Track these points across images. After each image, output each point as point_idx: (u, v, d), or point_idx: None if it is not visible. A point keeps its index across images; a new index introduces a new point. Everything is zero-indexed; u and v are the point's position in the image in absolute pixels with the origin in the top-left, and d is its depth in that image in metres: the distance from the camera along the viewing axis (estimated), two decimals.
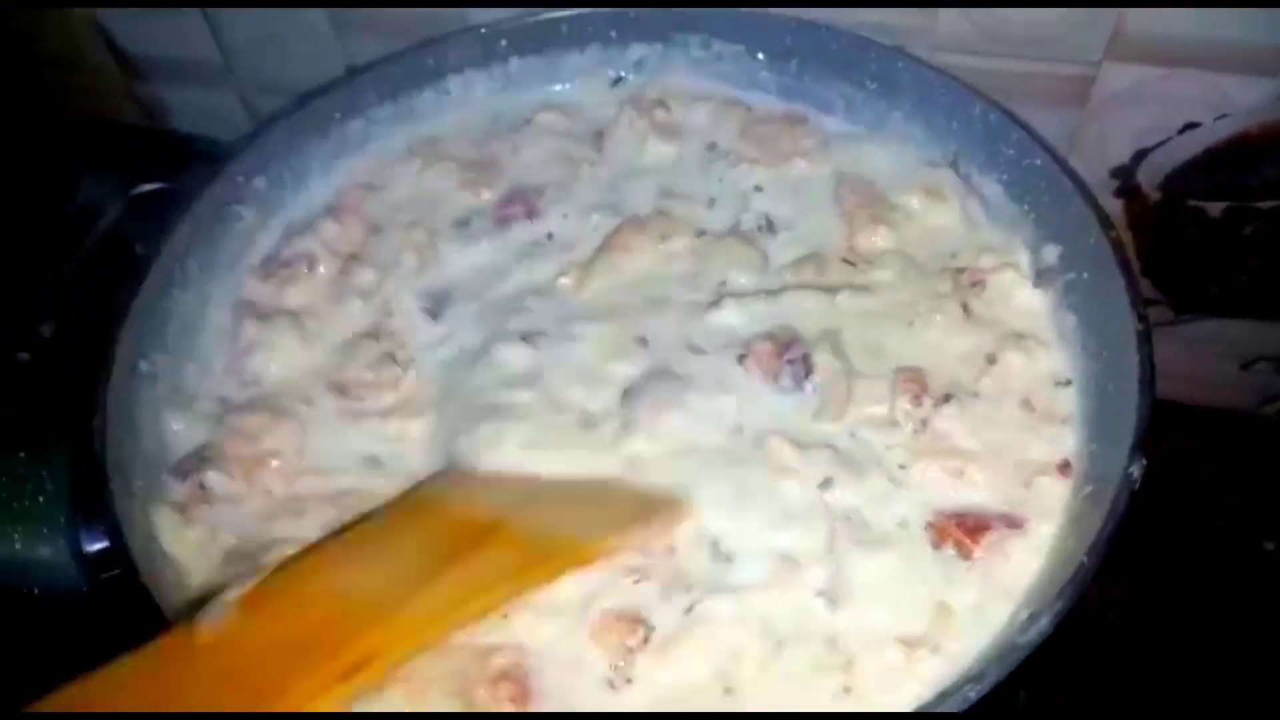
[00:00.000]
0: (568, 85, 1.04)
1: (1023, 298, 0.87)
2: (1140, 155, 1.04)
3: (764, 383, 0.82)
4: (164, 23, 1.20)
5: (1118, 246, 0.78)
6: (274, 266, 0.92)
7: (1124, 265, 0.77)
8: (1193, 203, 1.05)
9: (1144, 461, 0.67)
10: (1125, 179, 1.06)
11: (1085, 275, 0.82)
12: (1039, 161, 0.86)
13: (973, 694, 0.61)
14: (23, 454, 0.77)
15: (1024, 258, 0.88)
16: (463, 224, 0.95)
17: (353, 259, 0.93)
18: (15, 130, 1.23)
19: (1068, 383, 0.81)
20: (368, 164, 0.99)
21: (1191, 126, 1.00)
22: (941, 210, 0.93)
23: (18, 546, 0.74)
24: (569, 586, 0.71)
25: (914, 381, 0.80)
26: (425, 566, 0.64)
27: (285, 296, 0.90)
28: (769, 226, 0.93)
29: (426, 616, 0.61)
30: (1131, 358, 0.72)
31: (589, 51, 1.03)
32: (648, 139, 1.00)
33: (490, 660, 0.68)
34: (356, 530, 0.71)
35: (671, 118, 1.02)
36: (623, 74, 1.04)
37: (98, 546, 0.72)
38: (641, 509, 0.74)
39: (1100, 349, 0.78)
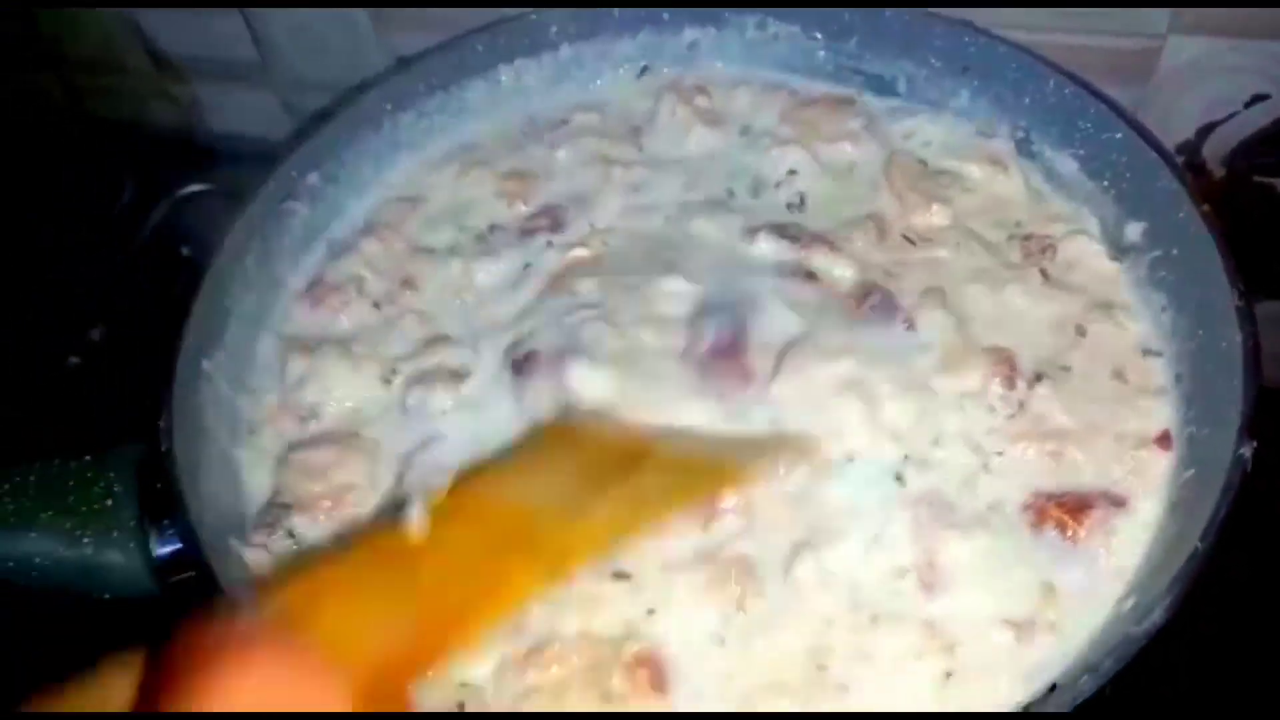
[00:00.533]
0: (598, 82, 1.03)
1: (1098, 265, 0.86)
2: (1206, 130, 1.02)
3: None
4: (201, 22, 1.20)
5: (1211, 220, 0.77)
6: (321, 290, 0.91)
7: (1220, 239, 0.75)
8: (1259, 179, 1.04)
9: (1254, 443, 0.65)
10: (1190, 155, 1.04)
11: (1175, 252, 0.80)
12: (1120, 135, 0.84)
13: (1089, 686, 0.59)
14: (88, 457, 0.77)
15: (1094, 226, 0.87)
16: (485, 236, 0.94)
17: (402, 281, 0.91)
18: (57, 134, 1.24)
19: (1158, 353, 0.80)
20: (406, 174, 0.99)
21: (1260, 99, 0.98)
22: (1004, 180, 0.92)
23: (89, 551, 0.73)
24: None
25: (1004, 363, 0.78)
26: (591, 484, 0.65)
27: (335, 323, 0.89)
28: (800, 204, 0.92)
29: (604, 526, 0.62)
30: (1233, 336, 0.71)
31: (641, 36, 1.01)
32: (693, 127, 0.98)
33: (624, 647, 0.69)
34: (517, 455, 0.73)
35: (713, 104, 1.00)
36: (648, 64, 1.03)
37: (169, 549, 0.73)
38: (772, 446, 0.75)
39: (1195, 328, 0.76)
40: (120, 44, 1.23)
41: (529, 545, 0.58)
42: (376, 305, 0.90)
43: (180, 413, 0.74)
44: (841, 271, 0.85)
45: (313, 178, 0.92)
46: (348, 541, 0.66)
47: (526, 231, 0.92)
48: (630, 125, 1.01)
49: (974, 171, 0.93)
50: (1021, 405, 0.77)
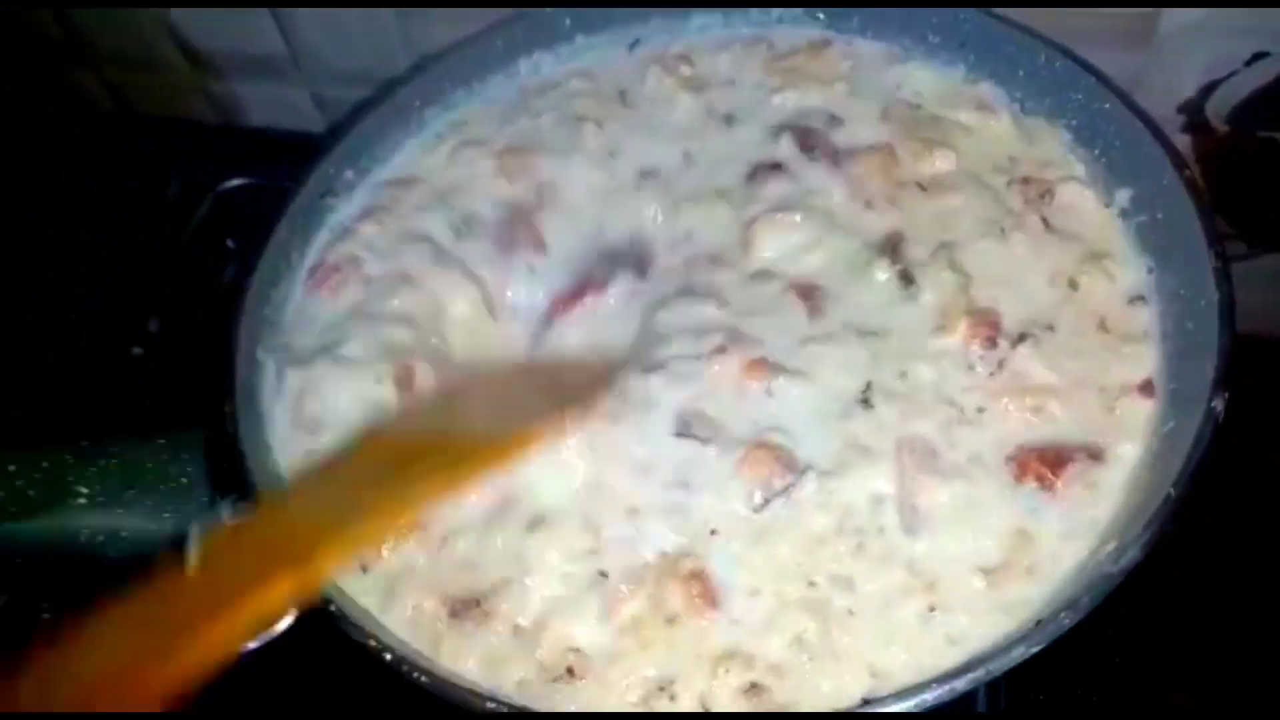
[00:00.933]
0: (590, 53, 1.06)
1: (1092, 211, 0.89)
2: (1208, 89, 1.04)
3: None
4: (230, 20, 1.23)
5: (1192, 186, 0.80)
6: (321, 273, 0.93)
7: (1200, 204, 0.79)
8: (1262, 134, 1.06)
9: (1227, 395, 0.70)
10: (1193, 114, 1.06)
11: (1160, 216, 0.84)
12: (1108, 105, 0.88)
13: (1068, 621, 0.65)
14: (162, 440, 0.83)
15: (1081, 171, 0.91)
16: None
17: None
18: (100, 133, 1.28)
19: (1144, 300, 0.83)
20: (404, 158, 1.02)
21: (1260, 57, 1.00)
22: (995, 124, 0.95)
23: (169, 525, 0.80)
24: None
25: (986, 324, 0.82)
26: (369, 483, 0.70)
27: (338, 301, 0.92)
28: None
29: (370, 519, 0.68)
30: (1211, 295, 0.75)
31: (652, 23, 1.05)
32: (676, 96, 1.01)
33: (680, 564, 0.74)
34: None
35: (696, 71, 1.03)
36: (639, 37, 1.05)
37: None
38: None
39: (1179, 288, 0.80)
40: (156, 42, 1.26)
41: (287, 554, 0.63)
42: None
43: (243, 399, 0.81)
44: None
45: (349, 174, 0.97)
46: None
47: None
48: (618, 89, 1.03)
49: (965, 118, 0.96)
50: (1000, 364, 0.81)
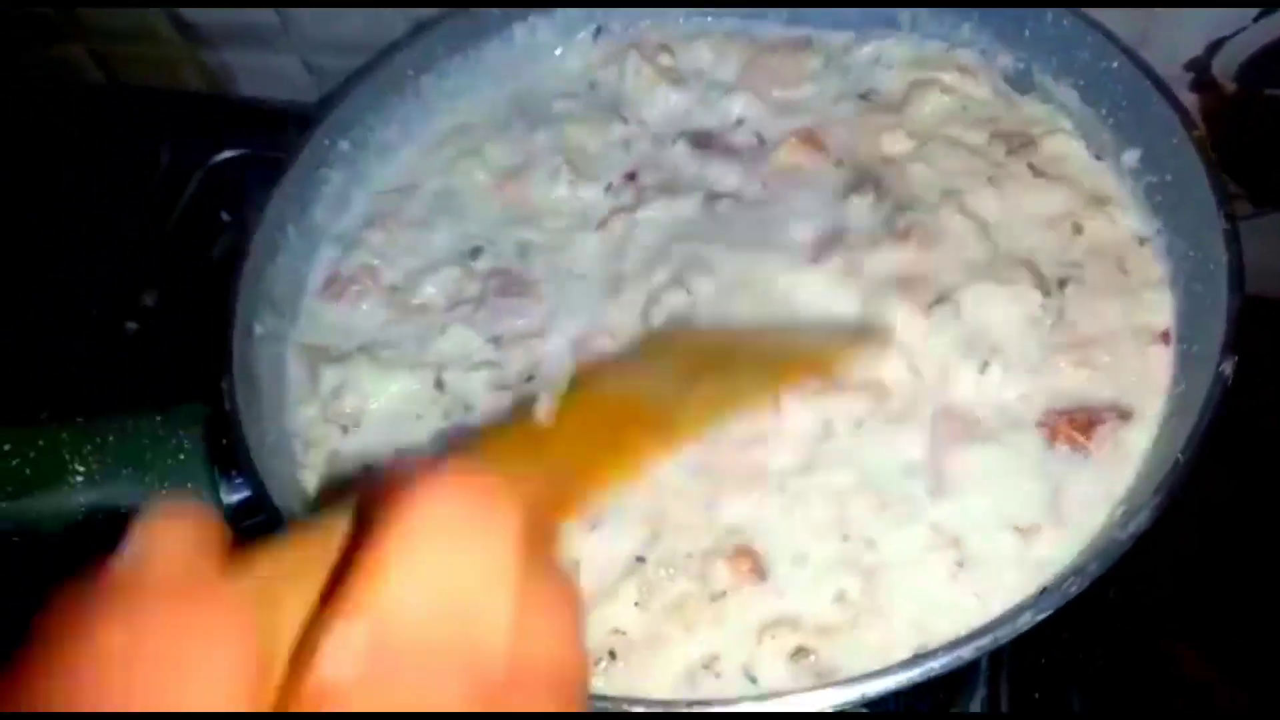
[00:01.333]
0: (559, 50, 1.05)
1: (1082, 160, 0.90)
2: (1215, 45, 1.03)
3: None
4: None
5: (1202, 146, 0.80)
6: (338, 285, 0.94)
7: (1209, 165, 0.79)
8: (1270, 91, 1.05)
9: (1235, 359, 0.70)
10: (1200, 71, 1.05)
11: (1169, 177, 0.84)
12: (1115, 64, 0.87)
13: (1073, 589, 0.65)
14: (158, 416, 0.83)
15: (1069, 124, 0.91)
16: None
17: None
18: (91, 105, 1.28)
19: (1147, 240, 0.85)
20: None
21: (1267, 12, 0.99)
22: (974, 86, 0.96)
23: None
24: None
25: (1033, 271, 0.83)
26: (688, 378, 0.70)
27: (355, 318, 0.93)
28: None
29: (702, 409, 0.66)
30: (1220, 258, 0.75)
31: None
32: (657, 87, 1.01)
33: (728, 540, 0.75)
34: (622, 362, 0.81)
35: (676, 61, 1.03)
36: (600, 25, 1.05)
37: (238, 498, 0.79)
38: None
39: (1188, 249, 0.81)
40: (145, 12, 1.25)
41: (641, 421, 0.63)
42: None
43: (240, 373, 0.81)
44: None
45: (344, 145, 0.96)
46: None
47: None
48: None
49: (945, 78, 0.96)
50: (1060, 313, 0.81)
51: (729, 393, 0.69)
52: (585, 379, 0.75)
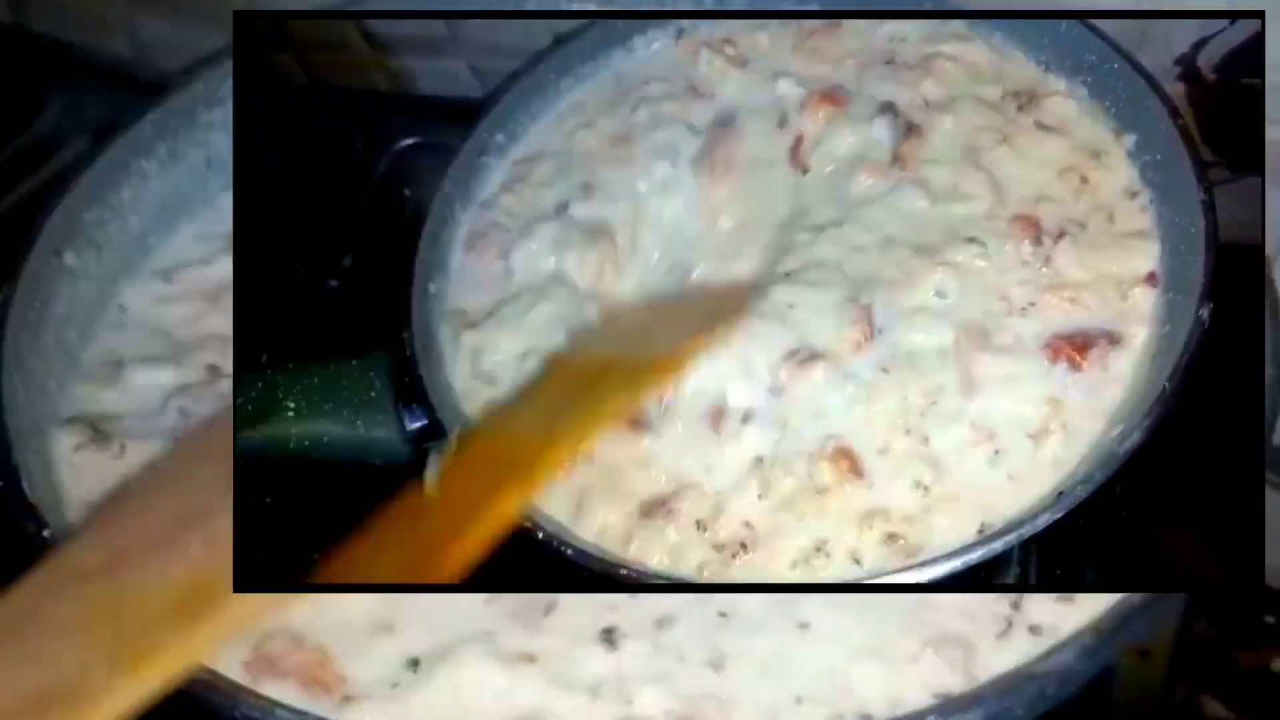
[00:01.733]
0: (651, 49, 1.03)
1: (1075, 116, 0.89)
2: (1200, 44, 1.03)
3: None
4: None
5: (1184, 133, 0.81)
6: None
7: (1190, 148, 0.80)
8: (1245, 81, 1.04)
9: (1211, 305, 0.72)
10: (1187, 66, 1.05)
11: (1159, 157, 0.84)
12: (1116, 65, 0.87)
13: (1083, 492, 0.67)
14: (354, 361, 0.86)
15: (1061, 84, 0.90)
16: None
17: None
18: (301, 102, 1.31)
19: (1136, 194, 0.84)
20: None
21: (1239, 17, 0.98)
22: (971, 49, 0.94)
23: (362, 431, 0.83)
24: None
25: (1029, 224, 0.82)
26: (563, 403, 0.68)
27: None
28: None
29: (572, 434, 0.64)
30: (1198, 222, 0.76)
31: None
32: (728, 75, 0.98)
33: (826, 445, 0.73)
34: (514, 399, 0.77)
35: (739, 52, 0.99)
36: (684, 26, 1.03)
37: (418, 425, 0.81)
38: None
39: (1175, 217, 0.81)
40: (340, 27, 1.26)
41: (509, 468, 0.60)
42: None
43: (418, 325, 0.83)
44: None
45: (500, 137, 0.98)
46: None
47: None
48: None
49: (947, 49, 0.94)
50: (1047, 260, 0.80)
51: (591, 415, 0.65)
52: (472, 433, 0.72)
